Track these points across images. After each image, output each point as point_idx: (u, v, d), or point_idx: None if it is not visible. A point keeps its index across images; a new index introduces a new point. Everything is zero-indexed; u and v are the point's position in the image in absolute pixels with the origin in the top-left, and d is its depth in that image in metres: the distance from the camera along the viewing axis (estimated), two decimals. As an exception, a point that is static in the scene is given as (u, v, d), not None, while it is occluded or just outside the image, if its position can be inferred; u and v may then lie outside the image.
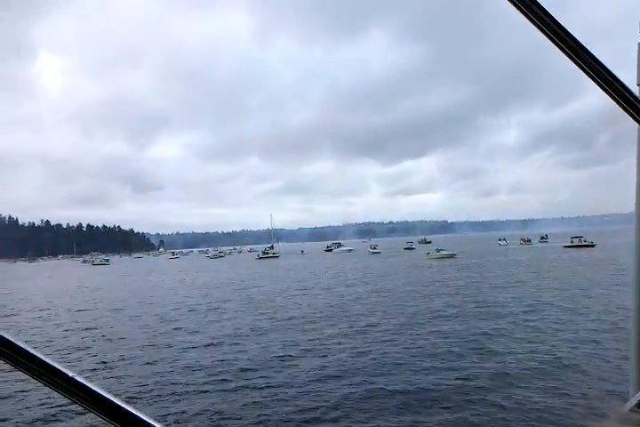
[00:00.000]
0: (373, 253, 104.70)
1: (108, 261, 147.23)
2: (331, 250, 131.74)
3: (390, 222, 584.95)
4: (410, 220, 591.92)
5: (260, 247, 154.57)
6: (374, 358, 15.38)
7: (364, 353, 16.14)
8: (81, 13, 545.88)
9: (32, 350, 0.66)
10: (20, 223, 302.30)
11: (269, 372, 14.47)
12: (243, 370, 14.81)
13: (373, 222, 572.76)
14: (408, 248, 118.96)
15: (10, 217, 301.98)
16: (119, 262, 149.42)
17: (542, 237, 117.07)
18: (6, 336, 0.66)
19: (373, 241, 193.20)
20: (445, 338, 17.82)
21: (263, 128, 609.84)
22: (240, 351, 17.34)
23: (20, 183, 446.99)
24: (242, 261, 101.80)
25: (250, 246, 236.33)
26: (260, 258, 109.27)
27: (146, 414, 0.72)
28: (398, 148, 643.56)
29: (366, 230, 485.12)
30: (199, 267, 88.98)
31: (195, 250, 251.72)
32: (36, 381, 0.67)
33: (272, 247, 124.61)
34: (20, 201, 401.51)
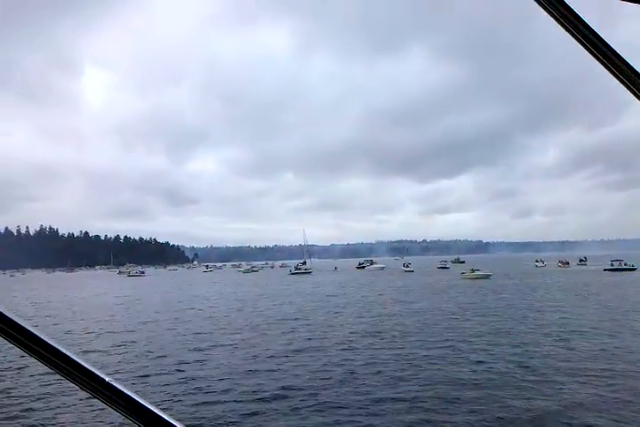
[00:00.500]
0: (406, 271, 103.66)
1: (143, 273, 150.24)
2: (363, 267, 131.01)
3: (424, 241, 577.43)
4: (444, 239, 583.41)
5: (292, 263, 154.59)
6: (419, 385, 14.94)
7: (405, 378, 15.89)
8: (127, 31, 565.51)
9: (70, 354, 0.69)
10: (60, 234, 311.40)
11: (308, 393, 14.31)
12: (284, 388, 14.82)
13: (406, 240, 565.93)
14: (442, 267, 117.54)
15: (50, 228, 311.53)
16: (154, 274, 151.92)
17: (581, 260, 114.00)
18: (45, 339, 0.68)
19: (406, 259, 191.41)
20: (488, 363, 17.49)
21: (299, 145, 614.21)
22: (277, 371, 17.27)
23: (61, 195, 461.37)
24: (274, 277, 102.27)
25: (282, 262, 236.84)
26: (293, 274, 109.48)
27: (182, 423, 0.72)
28: (434, 166, 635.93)
29: (399, 248, 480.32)
30: (233, 281, 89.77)
31: (227, 264, 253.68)
32: (73, 384, 0.69)
33: (304, 263, 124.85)
34: (61, 212, 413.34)
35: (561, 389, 13.94)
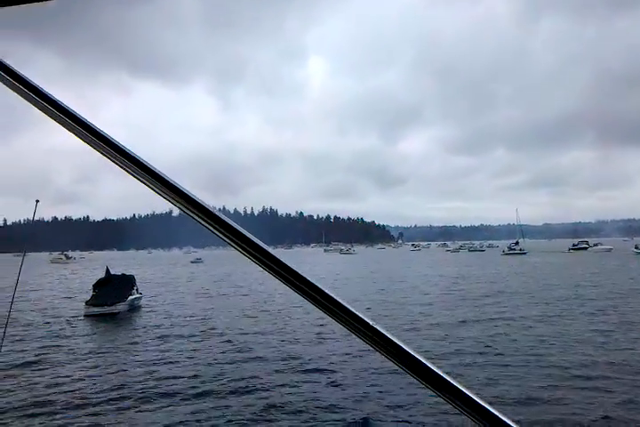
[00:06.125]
0: (638, 253, 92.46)
1: (354, 251, 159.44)
2: (581, 248, 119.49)
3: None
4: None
5: (500, 243, 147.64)
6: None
7: None
8: (345, 17, 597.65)
9: (411, 351, 0.73)
10: (279, 214, 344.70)
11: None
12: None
13: (636, 219, 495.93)
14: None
15: (271, 208, 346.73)
16: (364, 252, 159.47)
17: None
18: (390, 336, 0.73)
19: (637, 240, 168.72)
20: None
21: (514, 118, 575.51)
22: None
23: (281, 178, 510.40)
24: (487, 257, 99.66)
25: (489, 242, 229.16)
26: (506, 254, 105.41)
27: (506, 415, 0.72)
28: None
29: (626, 228, 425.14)
30: (444, 260, 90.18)
31: (432, 243, 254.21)
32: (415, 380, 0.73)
33: (517, 243, 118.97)
34: (281, 194, 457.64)
35: None
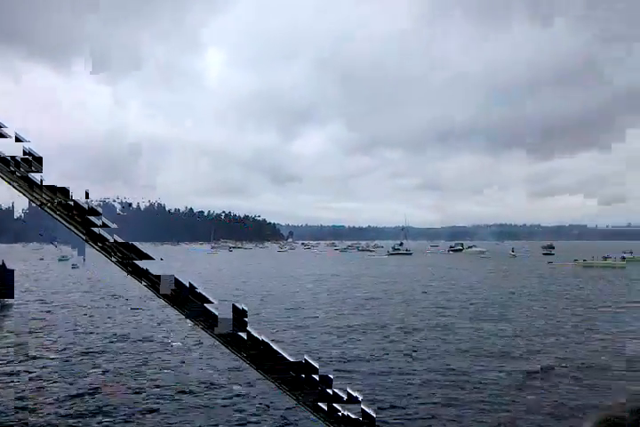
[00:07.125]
0: (511, 256, 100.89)
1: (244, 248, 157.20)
2: (460, 250, 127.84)
3: (524, 225, 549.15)
4: (551, 224, 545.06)
5: (385, 243, 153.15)
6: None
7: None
8: (248, 8, 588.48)
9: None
10: (167, 209, 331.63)
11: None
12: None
13: (507, 224, 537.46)
14: (547, 253, 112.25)
15: (158, 203, 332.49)
16: (253, 250, 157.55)
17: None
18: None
19: (508, 244, 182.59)
20: None
21: (412, 122, 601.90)
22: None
23: (175, 171, 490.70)
24: (372, 257, 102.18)
25: (375, 242, 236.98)
26: (391, 254, 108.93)
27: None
28: (551, 144, 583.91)
29: (498, 232, 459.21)
30: (334, 259, 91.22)
31: (322, 242, 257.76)
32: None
33: (401, 244, 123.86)
34: (172, 188, 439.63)
35: None
